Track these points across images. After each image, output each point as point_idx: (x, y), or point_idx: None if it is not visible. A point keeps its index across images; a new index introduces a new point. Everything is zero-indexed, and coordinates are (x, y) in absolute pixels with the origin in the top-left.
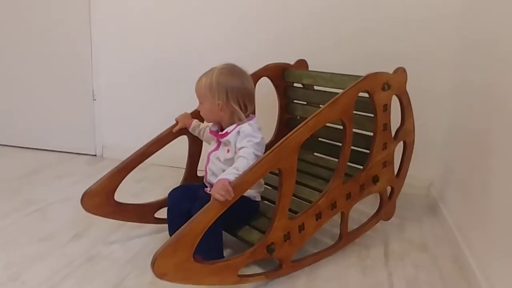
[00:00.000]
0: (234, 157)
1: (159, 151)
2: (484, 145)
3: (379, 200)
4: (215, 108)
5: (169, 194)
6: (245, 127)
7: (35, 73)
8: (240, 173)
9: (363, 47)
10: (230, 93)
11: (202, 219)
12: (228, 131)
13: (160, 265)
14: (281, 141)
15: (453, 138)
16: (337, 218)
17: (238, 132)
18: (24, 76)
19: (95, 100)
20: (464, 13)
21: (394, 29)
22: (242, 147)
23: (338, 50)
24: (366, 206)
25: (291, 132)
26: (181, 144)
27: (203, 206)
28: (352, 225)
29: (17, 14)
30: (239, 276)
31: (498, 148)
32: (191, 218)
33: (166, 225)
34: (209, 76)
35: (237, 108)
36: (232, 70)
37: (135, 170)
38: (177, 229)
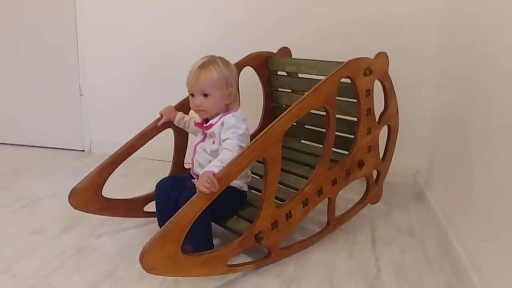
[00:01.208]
0: (219, 149)
1: (147, 145)
2: (467, 134)
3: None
4: (224, 98)
5: (157, 185)
6: (229, 118)
7: (21, 69)
8: (225, 165)
9: (348, 39)
10: (235, 80)
11: (189, 211)
12: (213, 123)
13: (148, 259)
14: (264, 130)
15: (438, 127)
16: (323, 207)
17: (222, 123)
18: (10, 72)
19: (82, 95)
20: (447, 7)
21: (380, 21)
22: (226, 139)
23: (322, 42)
24: (353, 194)
25: (274, 121)
26: (169, 137)
27: (190, 196)
28: (339, 213)
29: (1, 10)
30: (228, 266)
31: (480, 137)
32: (178, 212)
33: (155, 218)
34: (217, 66)
35: (238, 93)
36: (225, 59)
37: (123, 164)
38: (166, 220)
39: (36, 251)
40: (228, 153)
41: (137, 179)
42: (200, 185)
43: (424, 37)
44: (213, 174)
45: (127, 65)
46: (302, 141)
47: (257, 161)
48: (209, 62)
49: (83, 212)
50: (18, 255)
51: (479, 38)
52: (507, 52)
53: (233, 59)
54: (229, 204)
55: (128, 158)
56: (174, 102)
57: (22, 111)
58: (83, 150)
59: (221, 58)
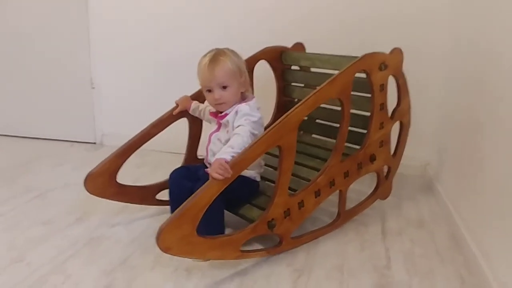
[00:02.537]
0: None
1: (159, 136)
2: (475, 126)
3: (376, 181)
4: (241, 87)
5: (171, 174)
6: (243, 107)
7: (33, 62)
8: (236, 150)
9: (359, 34)
10: (245, 67)
11: (204, 194)
12: (227, 112)
13: (164, 239)
14: (281, 118)
15: (447, 119)
16: (335, 198)
17: (236, 112)
18: (22, 65)
19: (94, 88)
20: (457, 3)
21: (391, 18)
22: (239, 125)
23: (334, 37)
24: (364, 186)
25: (290, 110)
26: (180, 129)
27: None
28: (350, 205)
29: (14, 3)
30: (241, 251)
31: (489, 128)
32: (193, 194)
33: (168, 207)
34: (228, 57)
35: (249, 81)
36: (231, 49)
37: (135, 155)
38: None
39: (50, 241)
40: (238, 138)
41: (148, 170)
42: (214, 172)
43: (433, 33)
44: (225, 161)
45: (138, 58)
46: (313, 135)
47: (271, 154)
48: (219, 54)
49: (96, 203)
50: (31, 244)
51: (487, 33)
52: None
53: (246, 55)
54: (241, 193)
55: (140, 150)
56: (185, 93)
57: (34, 104)
58: (95, 143)
59: (228, 49)
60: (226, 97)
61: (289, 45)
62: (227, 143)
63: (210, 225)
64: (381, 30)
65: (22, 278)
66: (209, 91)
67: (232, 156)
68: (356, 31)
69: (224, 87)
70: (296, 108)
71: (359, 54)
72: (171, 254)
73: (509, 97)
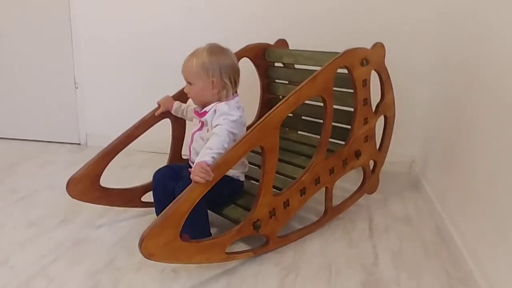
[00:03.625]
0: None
1: (143, 136)
2: (462, 122)
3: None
4: (208, 87)
5: (154, 174)
6: (221, 106)
7: (15, 62)
8: (214, 151)
9: (342, 25)
10: (223, 69)
11: (187, 198)
12: (206, 111)
13: (147, 245)
14: (262, 118)
15: (433, 115)
16: (321, 196)
17: (215, 111)
18: (4, 66)
19: (77, 88)
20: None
21: (373, 6)
22: (217, 125)
23: (317, 30)
24: (350, 184)
25: (271, 110)
26: (164, 129)
27: (186, 186)
28: (336, 202)
29: None
30: (227, 253)
31: (474, 125)
32: (176, 198)
33: (153, 209)
34: (200, 55)
35: (228, 83)
36: (221, 48)
37: (120, 156)
38: (164, 209)
39: (34, 243)
40: (215, 138)
41: (133, 170)
42: (195, 175)
43: (419, 22)
44: (206, 164)
45: (122, 57)
46: (299, 132)
47: (255, 152)
48: (196, 51)
49: (80, 204)
50: (16, 247)
51: (475, 20)
52: (505, 36)
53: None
54: (224, 193)
55: (124, 150)
56: (170, 93)
57: (17, 105)
58: (79, 143)
59: (212, 47)
60: (191, 93)
61: (266, 38)
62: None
63: (196, 226)
64: (365, 20)
65: (6, 281)
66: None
67: (213, 157)
68: (339, 22)
69: (190, 83)
70: (277, 107)
71: (343, 46)
72: (155, 260)
73: (497, 91)
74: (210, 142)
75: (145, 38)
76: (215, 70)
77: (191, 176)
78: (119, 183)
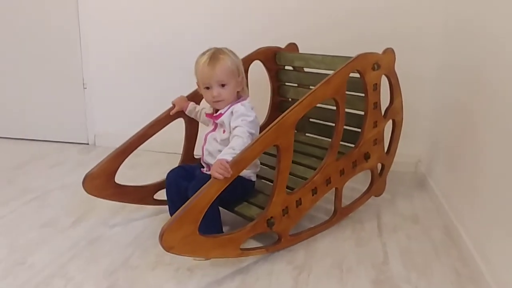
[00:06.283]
0: (230, 137)
1: (154, 137)
2: (467, 121)
3: (370, 178)
4: (238, 85)
5: (167, 175)
6: (238, 107)
7: (24, 64)
8: (237, 151)
9: (352, 30)
10: (242, 67)
11: (206, 194)
12: (222, 112)
13: (167, 238)
14: (278, 119)
15: (439, 115)
16: (331, 196)
17: (232, 112)
18: (13, 67)
19: (86, 88)
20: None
21: (382, 12)
22: (237, 126)
23: (327, 34)
24: (358, 184)
25: (287, 110)
26: (175, 129)
27: (199, 185)
28: (345, 202)
29: (4, 4)
30: (241, 249)
31: (480, 123)
32: (195, 194)
33: (166, 207)
34: (226, 56)
35: (246, 81)
36: (228, 48)
37: (130, 156)
38: (177, 208)
39: (50, 242)
40: (239, 140)
41: (144, 170)
42: (214, 171)
43: (426, 25)
44: (226, 161)
45: (130, 57)
46: (307, 134)
47: (267, 153)
48: (219, 52)
49: (92, 203)
50: (32, 246)
51: (482, 23)
52: (511, 41)
53: (240, 52)
54: (236, 192)
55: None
56: (178, 94)
57: (26, 105)
58: (87, 143)
59: (226, 48)
60: (223, 95)
61: (276, 42)
62: (227, 144)
63: (210, 224)
64: (372, 24)
65: (24, 280)
66: (207, 88)
67: (233, 157)
68: (347, 27)
69: (223, 85)
70: (293, 108)
71: (351, 51)
72: (174, 253)
73: (503, 92)
74: (232, 142)
75: (152, 39)
76: (240, 67)
77: (210, 172)
78: (130, 183)
